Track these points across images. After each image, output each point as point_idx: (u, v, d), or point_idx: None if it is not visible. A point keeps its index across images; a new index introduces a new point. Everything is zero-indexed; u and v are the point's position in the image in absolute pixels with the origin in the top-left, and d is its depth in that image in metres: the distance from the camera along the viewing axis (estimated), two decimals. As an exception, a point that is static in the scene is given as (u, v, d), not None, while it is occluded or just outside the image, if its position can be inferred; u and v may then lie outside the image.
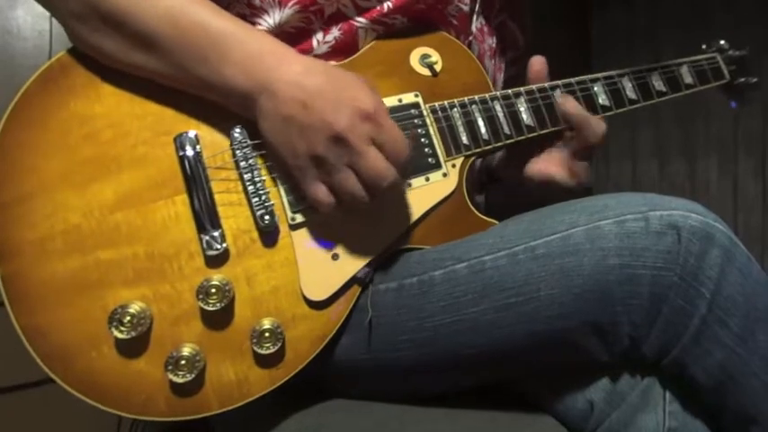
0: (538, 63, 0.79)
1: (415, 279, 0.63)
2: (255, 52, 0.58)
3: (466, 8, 0.77)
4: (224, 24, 0.59)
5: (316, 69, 0.59)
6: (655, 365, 0.58)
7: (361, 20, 0.70)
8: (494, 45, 0.86)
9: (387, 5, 0.70)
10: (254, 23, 0.69)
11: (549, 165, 0.78)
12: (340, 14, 0.69)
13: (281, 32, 0.69)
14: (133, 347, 0.56)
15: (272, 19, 0.68)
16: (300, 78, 0.57)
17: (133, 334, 0.54)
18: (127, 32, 0.58)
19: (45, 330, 0.55)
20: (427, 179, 0.69)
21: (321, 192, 0.59)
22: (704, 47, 1.02)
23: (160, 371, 0.56)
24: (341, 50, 0.70)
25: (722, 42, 1.02)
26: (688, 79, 0.92)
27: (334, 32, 0.70)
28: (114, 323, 0.54)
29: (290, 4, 0.67)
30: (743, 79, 1.02)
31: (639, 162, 2.55)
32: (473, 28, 0.81)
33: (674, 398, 0.58)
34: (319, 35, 0.70)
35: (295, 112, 0.56)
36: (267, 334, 0.58)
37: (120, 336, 0.54)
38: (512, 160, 0.84)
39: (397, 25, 0.72)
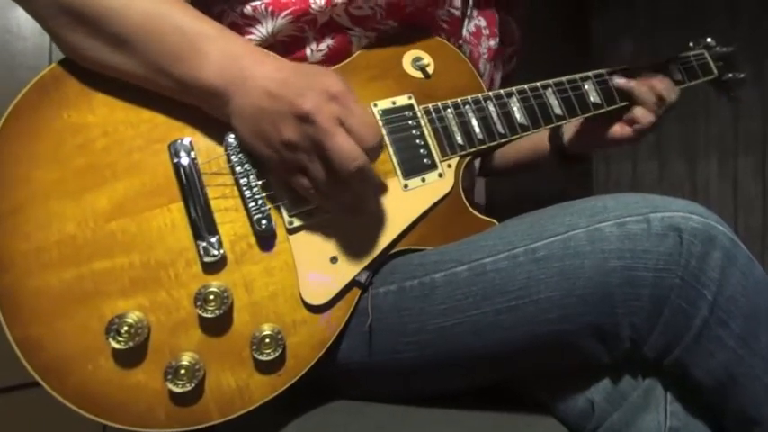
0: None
1: (415, 281, 0.63)
2: (231, 53, 0.58)
3: (457, 12, 0.78)
4: (200, 26, 0.59)
5: (286, 66, 0.59)
6: (656, 366, 0.58)
7: (355, 28, 0.70)
8: (494, 47, 0.87)
9: (379, 13, 0.70)
10: (246, 33, 0.69)
11: (623, 129, 0.88)
12: (333, 24, 0.69)
13: (274, 42, 0.69)
14: (131, 358, 0.55)
15: (264, 29, 0.68)
16: (270, 74, 0.57)
17: (131, 344, 0.54)
18: (103, 34, 0.58)
19: (40, 342, 0.54)
20: (423, 180, 0.68)
21: (303, 181, 0.59)
22: (691, 44, 1.05)
23: (159, 381, 0.55)
24: (334, 59, 0.71)
25: (709, 40, 1.05)
26: (677, 76, 0.94)
27: (328, 41, 0.70)
28: (112, 333, 0.54)
29: (282, 14, 0.67)
30: (731, 75, 1.05)
31: (639, 162, 2.54)
32: (464, 32, 0.82)
33: (676, 398, 0.58)
34: (313, 44, 0.70)
35: (263, 103, 0.56)
36: (268, 340, 0.57)
37: (117, 346, 0.54)
38: (583, 136, 0.93)
39: (390, 32, 0.73)
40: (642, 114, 0.85)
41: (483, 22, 0.85)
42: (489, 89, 0.82)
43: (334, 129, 0.55)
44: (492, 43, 0.86)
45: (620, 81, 0.85)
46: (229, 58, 0.58)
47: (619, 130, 0.88)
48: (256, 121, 0.57)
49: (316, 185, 0.58)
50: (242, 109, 0.57)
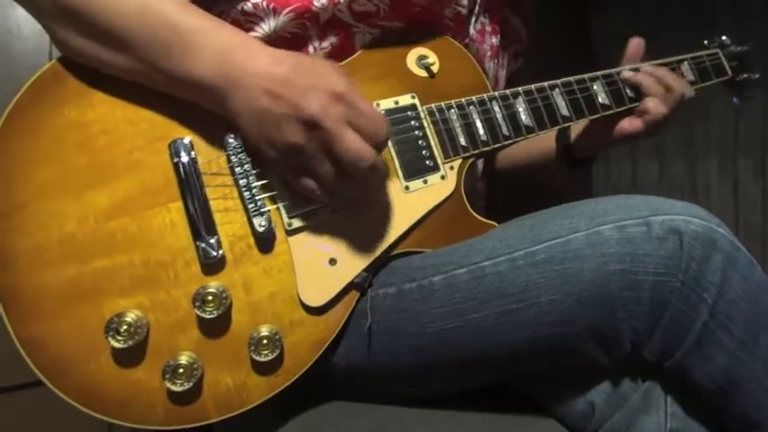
0: (636, 45, 0.87)
1: (414, 284, 0.62)
2: (224, 47, 0.57)
3: (463, 11, 0.77)
4: (192, 21, 0.58)
5: (283, 59, 0.58)
6: (656, 368, 0.58)
7: (358, 25, 0.70)
8: (496, 44, 0.86)
9: (383, 10, 0.70)
10: (249, 30, 0.69)
11: (633, 122, 0.85)
12: (336, 20, 0.69)
13: (276, 38, 0.69)
14: (130, 356, 0.55)
15: (267, 26, 0.68)
16: (268, 69, 0.56)
17: (130, 343, 0.54)
18: (97, 30, 0.58)
19: (42, 341, 0.54)
20: (425, 181, 0.68)
21: (308, 183, 0.58)
22: (706, 42, 1.02)
23: (158, 379, 0.55)
24: (338, 57, 0.70)
25: (724, 38, 1.01)
26: (690, 76, 0.92)
27: (331, 38, 0.70)
28: (111, 332, 0.54)
29: (284, 12, 0.67)
30: (745, 75, 1.01)
31: (639, 163, 2.54)
32: (471, 30, 0.81)
33: (676, 400, 0.57)
34: (315, 41, 0.70)
35: (266, 104, 0.55)
36: (265, 341, 0.57)
37: (117, 345, 0.54)
38: (591, 135, 0.91)
39: (394, 29, 0.72)
40: (653, 105, 0.83)
41: (487, 20, 0.85)
42: (494, 87, 0.80)
43: (343, 131, 0.55)
44: (494, 40, 0.86)
45: (627, 74, 0.84)
46: (222, 53, 0.57)
47: (628, 124, 0.85)
48: (259, 121, 0.56)
49: (322, 186, 0.58)
50: (243, 107, 0.57)
